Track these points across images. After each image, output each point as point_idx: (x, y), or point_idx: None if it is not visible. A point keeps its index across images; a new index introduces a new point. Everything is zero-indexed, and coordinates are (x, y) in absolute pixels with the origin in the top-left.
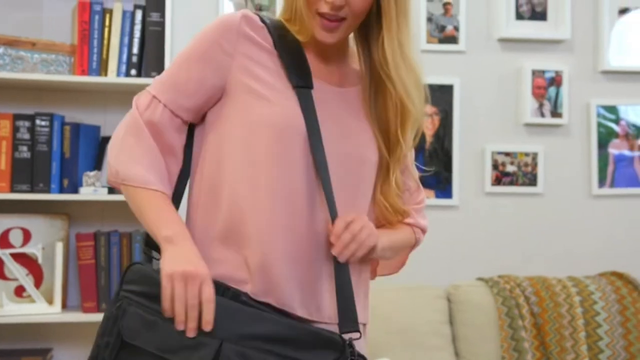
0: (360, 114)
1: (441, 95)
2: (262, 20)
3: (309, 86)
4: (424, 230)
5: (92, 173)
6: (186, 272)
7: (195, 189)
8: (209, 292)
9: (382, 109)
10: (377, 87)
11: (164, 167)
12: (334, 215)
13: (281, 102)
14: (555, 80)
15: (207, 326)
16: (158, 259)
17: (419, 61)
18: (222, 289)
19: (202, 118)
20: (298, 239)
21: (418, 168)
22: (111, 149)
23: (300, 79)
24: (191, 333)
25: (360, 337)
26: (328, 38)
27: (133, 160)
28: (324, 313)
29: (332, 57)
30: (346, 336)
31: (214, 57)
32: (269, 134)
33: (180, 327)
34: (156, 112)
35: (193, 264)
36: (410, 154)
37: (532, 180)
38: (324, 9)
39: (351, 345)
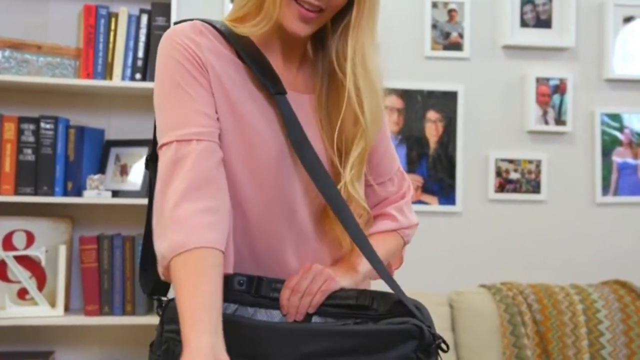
0: (313, 122)
1: (445, 102)
2: (214, 27)
3: (283, 92)
4: (412, 226)
5: (96, 176)
6: None
7: None
8: None
9: (334, 112)
10: (330, 89)
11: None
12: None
13: (253, 128)
14: (560, 88)
15: None
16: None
17: (379, 69)
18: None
19: None
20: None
21: (421, 175)
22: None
23: (274, 86)
24: None
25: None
26: (302, 29)
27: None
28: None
29: (291, 59)
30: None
31: (199, 81)
32: (240, 168)
33: None
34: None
35: None
36: (388, 141)
37: (536, 188)
38: None
39: (429, 326)
